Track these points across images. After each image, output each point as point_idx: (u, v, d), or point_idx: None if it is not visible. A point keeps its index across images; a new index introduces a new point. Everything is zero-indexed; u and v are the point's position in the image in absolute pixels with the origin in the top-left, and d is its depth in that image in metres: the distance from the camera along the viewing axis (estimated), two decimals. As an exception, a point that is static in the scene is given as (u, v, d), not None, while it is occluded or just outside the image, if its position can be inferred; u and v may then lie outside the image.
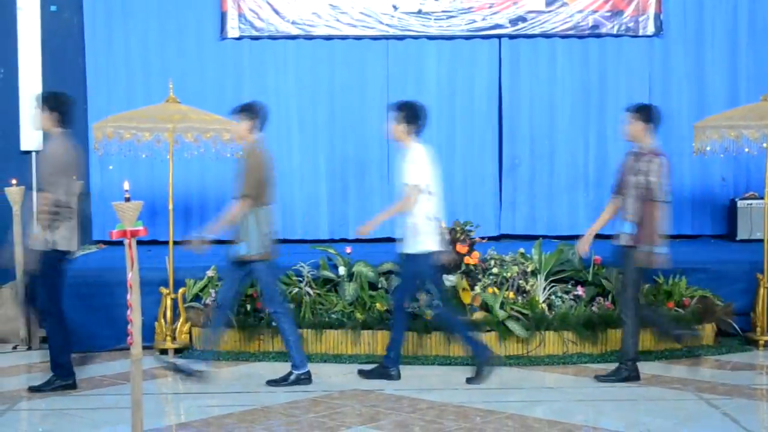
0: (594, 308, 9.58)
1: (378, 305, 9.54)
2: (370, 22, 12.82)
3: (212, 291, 9.86)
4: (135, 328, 5.90)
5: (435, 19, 12.86)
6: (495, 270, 9.75)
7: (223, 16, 12.72)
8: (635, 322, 8.53)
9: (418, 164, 8.54)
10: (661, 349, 9.44)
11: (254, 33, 12.77)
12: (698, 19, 12.90)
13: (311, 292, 9.75)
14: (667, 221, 8.53)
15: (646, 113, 8.61)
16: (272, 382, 8.45)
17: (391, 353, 8.70)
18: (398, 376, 8.61)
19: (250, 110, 8.64)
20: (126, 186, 6.09)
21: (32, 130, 12.26)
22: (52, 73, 12.57)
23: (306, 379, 8.45)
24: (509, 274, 9.70)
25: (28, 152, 12.50)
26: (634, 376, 8.48)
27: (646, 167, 8.42)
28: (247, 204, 8.31)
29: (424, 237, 8.48)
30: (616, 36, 12.91)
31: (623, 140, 12.63)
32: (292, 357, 8.51)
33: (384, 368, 8.67)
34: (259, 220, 8.37)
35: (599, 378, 8.57)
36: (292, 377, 8.44)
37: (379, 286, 9.80)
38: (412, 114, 8.73)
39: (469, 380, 8.48)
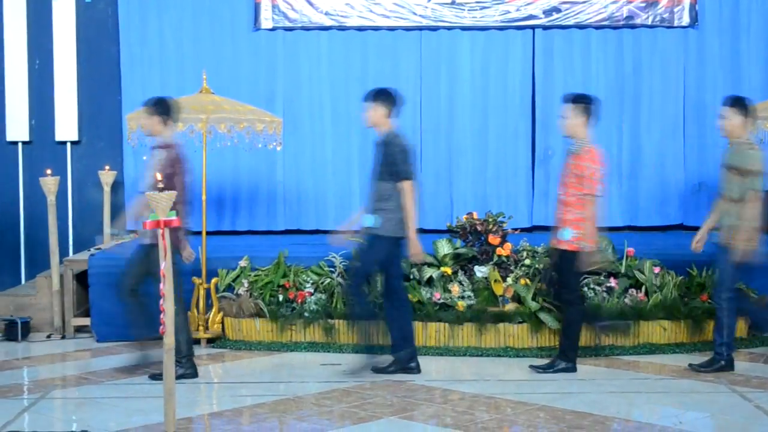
0: (627, 300, 9.54)
1: (410, 296, 9.53)
2: (404, 13, 12.81)
3: (244, 281, 9.89)
4: (168, 318, 5.93)
5: (468, 10, 12.83)
6: (527, 261, 9.73)
7: (256, 7, 12.74)
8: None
9: None
10: (694, 342, 9.40)
11: (288, 24, 12.78)
12: (734, 9, 12.79)
13: (343, 282, 9.76)
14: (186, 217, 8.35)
15: (163, 106, 8.47)
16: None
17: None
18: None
19: None
20: (159, 176, 6.13)
21: (67, 120, 12.44)
22: (86, 63, 12.66)
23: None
24: (542, 266, 9.67)
25: (63, 143, 12.59)
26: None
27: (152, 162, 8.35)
28: None
29: None
30: (651, 27, 12.83)
31: (656, 132, 12.74)
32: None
33: None
34: None
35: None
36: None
37: (411, 277, 9.79)
38: None
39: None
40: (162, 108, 8.47)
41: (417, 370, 8.51)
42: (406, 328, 8.65)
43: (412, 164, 8.42)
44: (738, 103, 8.60)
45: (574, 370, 8.49)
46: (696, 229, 12.51)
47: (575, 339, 8.61)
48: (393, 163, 8.31)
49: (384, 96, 8.58)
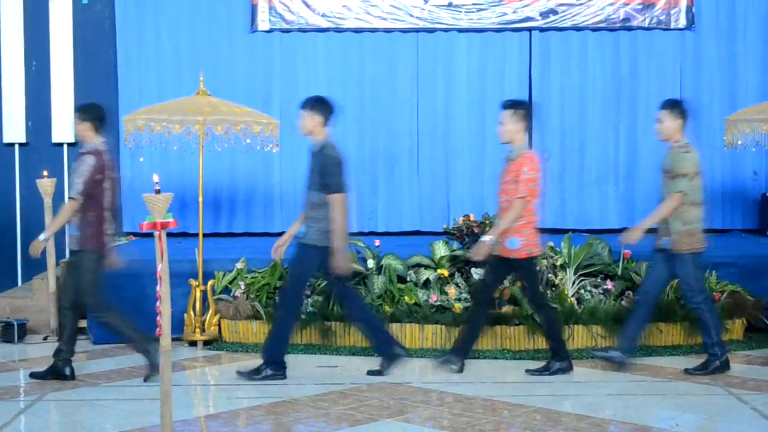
0: (623, 302, 9.54)
1: (406, 298, 9.54)
2: (400, 14, 12.82)
3: (241, 283, 9.88)
4: (164, 320, 5.93)
5: (465, 12, 12.84)
6: (524, 263, 9.73)
7: (253, 9, 12.75)
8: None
9: None
10: (690, 344, 9.41)
11: (285, 26, 12.80)
12: (730, 11, 12.82)
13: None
14: (100, 223, 8.26)
15: (93, 113, 8.43)
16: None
17: None
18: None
19: None
20: (156, 178, 6.12)
21: (64, 122, 12.43)
22: (83, 65, 12.66)
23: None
24: (538, 268, 9.66)
25: (60, 144, 12.58)
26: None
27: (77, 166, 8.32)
28: None
29: None
30: (648, 29, 12.85)
31: (653, 134, 12.71)
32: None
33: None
34: None
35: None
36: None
37: (408, 279, 9.79)
38: None
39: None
40: (92, 114, 8.43)
41: (404, 352, 8.56)
42: (372, 321, 8.67)
43: (345, 176, 8.34)
44: (674, 106, 8.62)
45: (570, 368, 8.49)
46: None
47: (559, 337, 8.64)
48: (326, 174, 8.23)
49: (320, 104, 8.47)
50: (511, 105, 8.46)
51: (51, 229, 8.50)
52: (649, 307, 8.68)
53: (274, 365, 8.32)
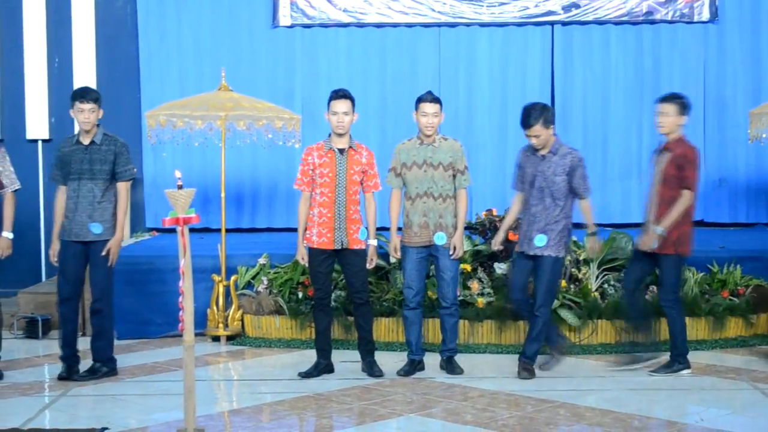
0: (647, 297, 9.50)
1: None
2: (422, 9, 12.80)
3: (264, 278, 9.89)
4: (187, 315, 5.94)
5: (487, 6, 12.81)
6: (547, 258, 9.69)
7: (275, 4, 12.76)
8: None
9: None
10: (715, 339, 9.36)
11: (306, 21, 12.80)
12: (755, 4, 12.73)
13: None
14: None
15: None
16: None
17: None
18: None
19: None
20: (178, 174, 6.12)
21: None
22: (105, 61, 12.68)
23: None
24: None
25: (82, 141, 12.60)
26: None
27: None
28: None
29: None
30: (671, 22, 12.79)
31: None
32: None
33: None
34: None
35: None
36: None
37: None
38: None
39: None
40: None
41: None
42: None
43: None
44: (436, 99, 8.65)
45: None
46: (716, 225, 12.56)
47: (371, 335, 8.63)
48: (123, 162, 8.32)
49: (97, 95, 8.62)
50: (348, 95, 8.63)
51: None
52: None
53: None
